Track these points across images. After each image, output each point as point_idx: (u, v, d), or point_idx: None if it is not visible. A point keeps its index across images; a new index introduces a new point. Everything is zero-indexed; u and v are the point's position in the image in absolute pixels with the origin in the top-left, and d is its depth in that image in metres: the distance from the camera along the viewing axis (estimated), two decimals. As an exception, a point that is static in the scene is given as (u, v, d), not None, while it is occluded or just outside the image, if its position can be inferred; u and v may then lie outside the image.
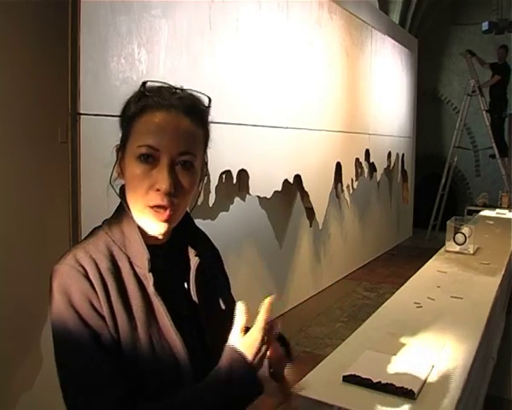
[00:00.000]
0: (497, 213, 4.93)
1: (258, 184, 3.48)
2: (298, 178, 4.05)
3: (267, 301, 0.82)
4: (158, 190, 0.81)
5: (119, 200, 0.90)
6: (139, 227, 0.86)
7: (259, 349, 0.79)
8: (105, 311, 0.78)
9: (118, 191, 0.89)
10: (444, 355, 1.45)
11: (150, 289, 0.82)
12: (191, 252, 0.91)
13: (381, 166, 5.99)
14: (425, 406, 1.18)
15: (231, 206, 3.53)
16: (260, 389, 0.79)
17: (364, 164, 5.47)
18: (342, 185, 4.95)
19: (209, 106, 0.88)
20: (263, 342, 0.79)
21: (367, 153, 5.50)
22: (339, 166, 4.79)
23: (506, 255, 2.76)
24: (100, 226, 0.89)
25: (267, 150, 3.57)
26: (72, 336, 0.77)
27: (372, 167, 5.79)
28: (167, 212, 0.82)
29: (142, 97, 0.84)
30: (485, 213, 4.98)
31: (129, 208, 0.86)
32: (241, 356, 0.78)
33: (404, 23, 7.30)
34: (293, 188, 4.19)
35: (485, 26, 7.11)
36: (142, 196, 0.82)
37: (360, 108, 5.31)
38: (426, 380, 1.28)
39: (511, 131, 7.32)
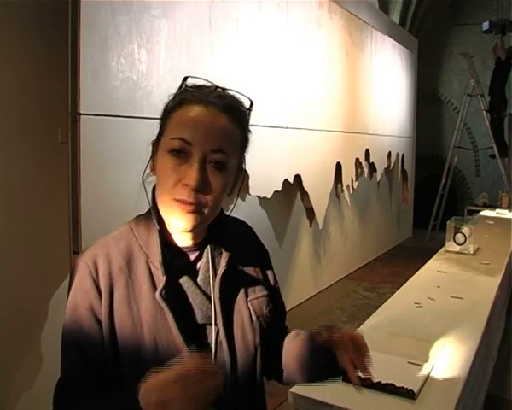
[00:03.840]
0: (497, 213, 4.93)
1: (258, 184, 3.47)
2: (298, 178, 4.05)
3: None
4: (185, 185, 0.78)
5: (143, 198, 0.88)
6: (166, 230, 0.85)
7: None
8: (103, 313, 0.79)
9: (146, 190, 0.87)
10: (444, 355, 1.45)
11: (157, 293, 0.81)
12: (223, 258, 0.88)
13: (380, 166, 5.99)
14: (425, 406, 1.18)
15: (231, 206, 3.52)
16: None
17: (364, 164, 5.47)
18: (342, 185, 4.95)
19: (250, 109, 0.86)
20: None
21: (367, 153, 5.50)
22: (339, 166, 4.79)
23: (506, 255, 2.76)
24: (130, 221, 0.88)
25: (267, 150, 3.57)
26: (66, 332, 0.80)
27: (372, 167, 5.78)
28: (193, 206, 0.79)
29: (183, 92, 0.83)
30: (485, 213, 4.99)
31: (156, 208, 0.85)
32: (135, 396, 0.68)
33: (404, 23, 7.30)
34: (293, 188, 4.18)
35: (485, 26, 7.10)
36: (169, 190, 0.80)
37: (360, 108, 5.31)
38: (426, 380, 1.28)
39: (511, 131, 7.31)
